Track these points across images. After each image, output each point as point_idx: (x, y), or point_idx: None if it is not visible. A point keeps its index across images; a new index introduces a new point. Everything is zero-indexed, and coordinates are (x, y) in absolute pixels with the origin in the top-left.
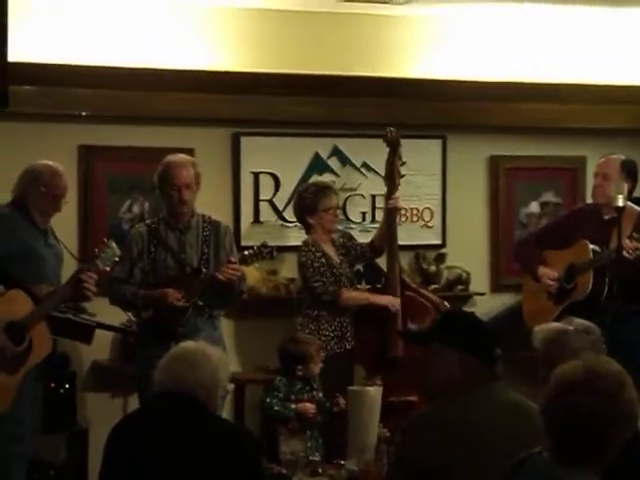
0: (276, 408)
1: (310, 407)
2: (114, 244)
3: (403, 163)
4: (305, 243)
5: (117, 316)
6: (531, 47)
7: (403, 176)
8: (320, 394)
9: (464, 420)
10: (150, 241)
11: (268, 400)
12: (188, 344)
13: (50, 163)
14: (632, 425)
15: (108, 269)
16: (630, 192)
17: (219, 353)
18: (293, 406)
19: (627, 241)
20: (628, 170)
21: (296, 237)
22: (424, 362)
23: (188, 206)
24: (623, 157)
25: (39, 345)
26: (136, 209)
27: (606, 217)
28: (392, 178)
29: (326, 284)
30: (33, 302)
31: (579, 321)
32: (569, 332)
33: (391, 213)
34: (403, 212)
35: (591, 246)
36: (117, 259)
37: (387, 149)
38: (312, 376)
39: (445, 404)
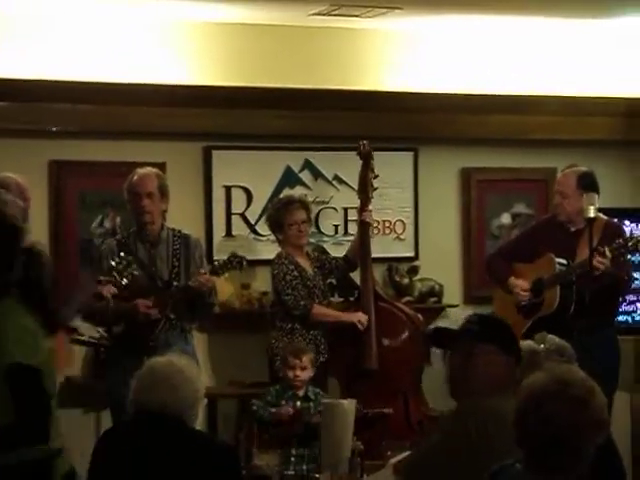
0: (254, 408)
1: (285, 411)
2: (130, 257)
3: (376, 176)
4: (279, 255)
5: (88, 331)
6: (501, 59)
7: (376, 189)
8: (310, 405)
9: None
10: (119, 251)
11: (254, 401)
12: (165, 363)
13: (12, 175)
14: (604, 431)
15: (125, 281)
16: None
17: (194, 367)
18: (273, 409)
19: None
20: (584, 184)
21: (269, 251)
22: (467, 363)
23: (150, 215)
24: (582, 170)
25: (59, 358)
26: (107, 224)
27: (572, 229)
28: (365, 191)
29: (297, 298)
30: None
31: (552, 339)
32: (540, 353)
33: (364, 226)
34: (375, 225)
35: (557, 260)
36: (135, 272)
37: (360, 162)
38: (299, 380)
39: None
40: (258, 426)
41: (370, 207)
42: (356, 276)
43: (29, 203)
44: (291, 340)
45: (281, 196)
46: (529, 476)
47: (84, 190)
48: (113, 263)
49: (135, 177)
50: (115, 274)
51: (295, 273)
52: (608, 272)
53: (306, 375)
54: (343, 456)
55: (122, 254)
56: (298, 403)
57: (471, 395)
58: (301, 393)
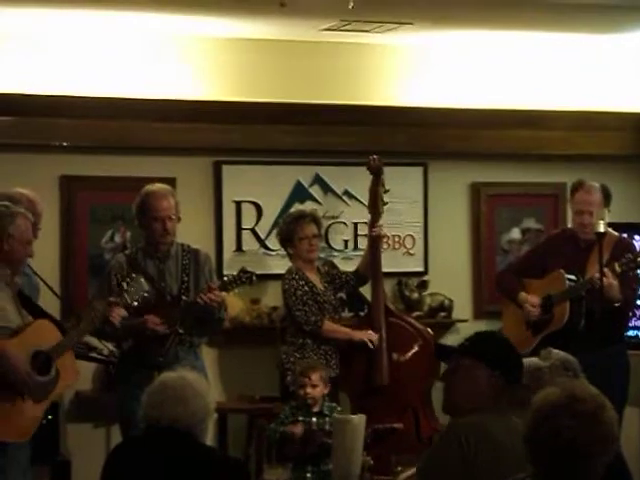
0: (267, 433)
1: (296, 430)
2: (142, 279)
3: (386, 191)
4: (289, 271)
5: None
6: (512, 74)
7: (386, 204)
8: (326, 421)
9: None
10: (130, 271)
11: (271, 426)
12: (175, 378)
13: (24, 191)
14: (614, 446)
15: (136, 304)
16: None
17: (204, 382)
18: (281, 429)
19: (605, 269)
20: (607, 197)
21: (279, 265)
22: (451, 377)
23: (172, 236)
24: (598, 185)
25: (66, 375)
26: (118, 239)
27: (583, 244)
28: (376, 206)
29: (308, 314)
30: (60, 332)
31: (557, 354)
32: (544, 369)
33: (375, 241)
34: (385, 239)
35: (567, 276)
36: (146, 294)
37: (370, 177)
38: (310, 398)
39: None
40: (269, 444)
41: (381, 222)
42: (366, 291)
43: (40, 218)
44: (302, 355)
45: (292, 211)
46: None
47: (95, 205)
48: (125, 285)
49: (151, 198)
50: (126, 296)
51: (306, 288)
52: (617, 298)
53: (317, 392)
54: (353, 471)
55: (134, 275)
56: (314, 419)
57: (454, 410)
58: (316, 409)
